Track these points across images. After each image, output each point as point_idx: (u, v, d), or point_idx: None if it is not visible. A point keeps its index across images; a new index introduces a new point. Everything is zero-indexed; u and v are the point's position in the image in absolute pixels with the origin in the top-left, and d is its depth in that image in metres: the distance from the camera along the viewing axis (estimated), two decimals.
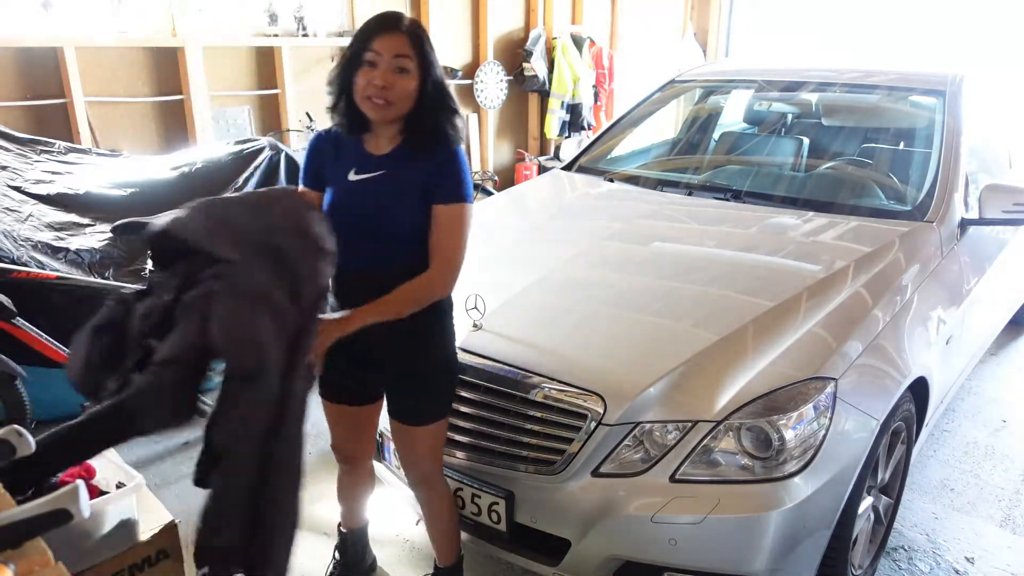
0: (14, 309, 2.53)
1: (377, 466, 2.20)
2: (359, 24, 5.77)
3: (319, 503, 2.56)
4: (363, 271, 1.69)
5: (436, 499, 1.92)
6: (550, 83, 6.81)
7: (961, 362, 2.73)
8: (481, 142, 6.67)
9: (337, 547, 2.18)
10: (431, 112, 1.65)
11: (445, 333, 1.81)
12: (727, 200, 2.79)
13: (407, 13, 6.26)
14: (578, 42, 6.99)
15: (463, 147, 1.72)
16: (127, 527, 1.75)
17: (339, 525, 2.16)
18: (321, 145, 1.77)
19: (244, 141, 3.68)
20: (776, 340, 1.90)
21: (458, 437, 1.95)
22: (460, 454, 1.95)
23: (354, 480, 2.07)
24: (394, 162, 1.69)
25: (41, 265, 2.77)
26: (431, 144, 1.67)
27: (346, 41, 5.21)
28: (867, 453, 1.85)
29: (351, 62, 1.63)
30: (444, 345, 1.81)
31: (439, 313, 1.76)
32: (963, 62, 3.30)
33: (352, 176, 1.69)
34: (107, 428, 1.38)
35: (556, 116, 6.93)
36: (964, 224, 2.57)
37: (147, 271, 2.77)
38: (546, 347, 1.96)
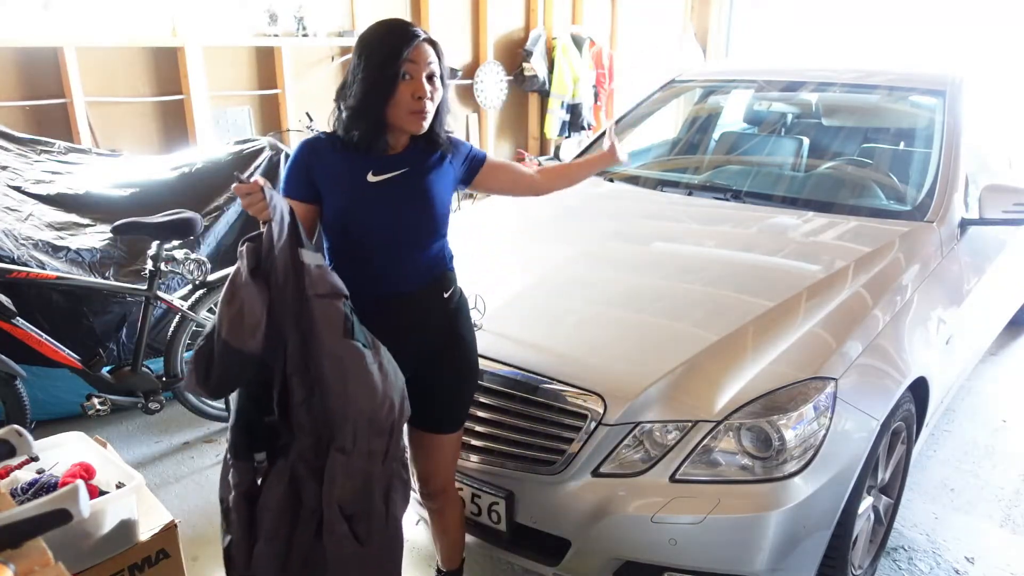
0: (14, 309, 2.53)
1: None
2: (359, 24, 5.81)
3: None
4: (399, 265, 1.67)
5: (450, 508, 1.90)
6: (550, 83, 6.81)
7: (961, 362, 2.72)
8: (481, 142, 6.67)
9: None
10: (440, 116, 1.66)
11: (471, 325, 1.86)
12: (727, 200, 2.79)
13: (407, 14, 6.30)
14: (578, 42, 6.99)
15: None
16: (127, 527, 1.75)
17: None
18: (316, 152, 1.64)
19: (244, 141, 3.68)
20: (776, 340, 1.90)
21: None
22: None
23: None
24: (414, 158, 1.67)
25: (42, 264, 2.77)
26: (436, 144, 1.69)
27: (346, 41, 5.27)
28: (867, 453, 1.85)
29: (388, 81, 1.55)
30: (473, 336, 1.85)
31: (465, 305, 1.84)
32: (963, 62, 3.30)
33: (371, 178, 1.62)
34: None
35: (556, 116, 6.93)
36: (964, 224, 2.57)
37: (147, 271, 2.76)
38: (546, 347, 1.96)
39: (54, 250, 2.88)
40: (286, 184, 1.67)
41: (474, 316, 1.97)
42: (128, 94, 4.36)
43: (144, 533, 1.79)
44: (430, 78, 1.58)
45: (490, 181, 1.85)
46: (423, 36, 1.58)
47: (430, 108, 1.59)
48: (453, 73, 6.12)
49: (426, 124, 1.60)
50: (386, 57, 1.54)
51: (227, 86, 4.82)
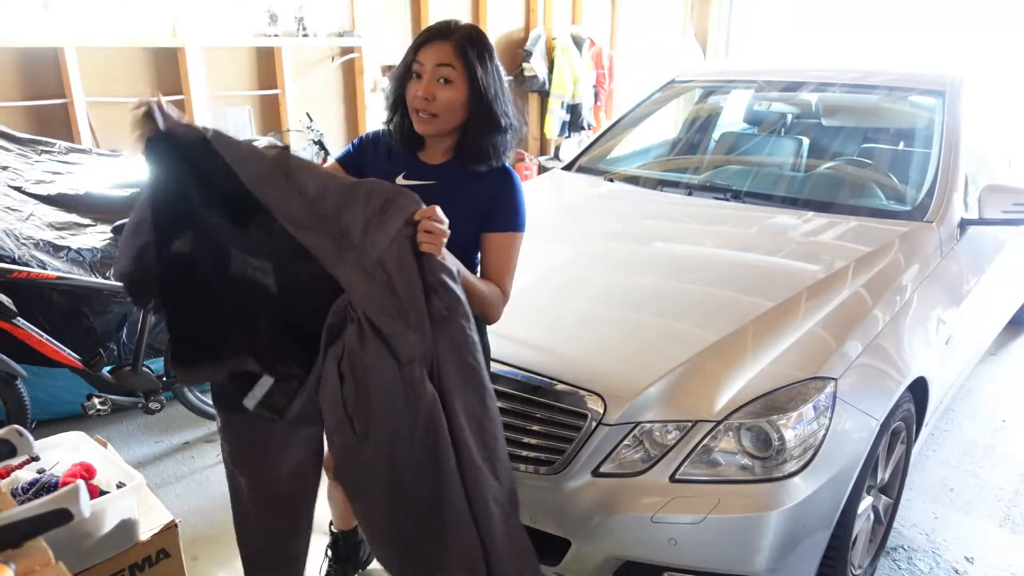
0: (14, 309, 2.53)
1: None
2: (359, 24, 5.80)
3: (316, 503, 2.56)
4: None
5: None
6: (550, 83, 6.81)
7: (961, 362, 2.73)
8: None
9: (329, 546, 2.19)
10: (475, 128, 1.57)
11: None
12: (727, 200, 2.79)
13: (407, 13, 6.26)
14: (578, 42, 6.99)
15: (510, 161, 1.66)
16: (127, 527, 1.75)
17: (330, 524, 2.17)
18: (375, 139, 1.70)
19: None
20: (776, 340, 1.90)
21: None
22: None
23: (342, 492, 2.06)
24: (448, 175, 1.62)
25: (43, 264, 2.77)
26: (477, 162, 1.60)
27: (346, 41, 5.28)
28: (867, 453, 1.85)
29: (403, 75, 1.57)
30: None
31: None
32: (963, 62, 3.30)
33: (400, 180, 1.61)
34: None
35: (556, 116, 6.93)
36: (964, 224, 2.57)
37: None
38: (546, 347, 1.96)
39: (55, 250, 2.88)
40: (343, 153, 1.73)
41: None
42: (128, 94, 4.35)
43: (144, 533, 1.79)
44: (445, 81, 1.52)
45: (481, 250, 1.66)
46: (451, 37, 1.52)
47: (433, 110, 1.53)
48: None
49: (428, 128, 1.56)
50: (408, 52, 1.57)
51: (227, 86, 4.82)
